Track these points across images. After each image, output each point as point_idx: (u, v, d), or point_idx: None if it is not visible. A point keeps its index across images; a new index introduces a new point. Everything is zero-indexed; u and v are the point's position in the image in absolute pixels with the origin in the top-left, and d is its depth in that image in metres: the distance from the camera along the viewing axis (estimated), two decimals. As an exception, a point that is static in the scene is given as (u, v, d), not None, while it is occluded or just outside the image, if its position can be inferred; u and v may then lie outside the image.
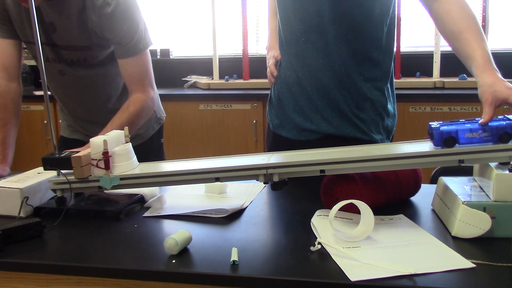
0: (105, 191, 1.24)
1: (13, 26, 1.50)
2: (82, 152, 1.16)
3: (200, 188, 1.33)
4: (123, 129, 1.20)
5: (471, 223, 0.96)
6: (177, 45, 3.76)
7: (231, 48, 3.63)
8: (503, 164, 1.02)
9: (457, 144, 1.03)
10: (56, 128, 1.81)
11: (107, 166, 1.13)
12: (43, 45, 1.50)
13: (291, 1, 1.36)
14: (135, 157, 1.19)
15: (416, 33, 3.36)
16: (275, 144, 1.52)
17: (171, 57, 3.69)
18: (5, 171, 1.43)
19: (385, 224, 1.06)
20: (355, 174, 1.12)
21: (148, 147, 1.77)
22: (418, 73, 3.20)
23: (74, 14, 1.43)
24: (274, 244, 1.02)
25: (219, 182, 1.13)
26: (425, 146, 1.08)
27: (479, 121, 1.03)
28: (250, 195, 1.29)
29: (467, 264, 0.87)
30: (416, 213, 1.14)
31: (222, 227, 1.09)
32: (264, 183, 1.10)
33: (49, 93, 1.30)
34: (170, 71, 3.60)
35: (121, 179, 1.14)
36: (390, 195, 1.16)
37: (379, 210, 1.10)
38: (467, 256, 0.89)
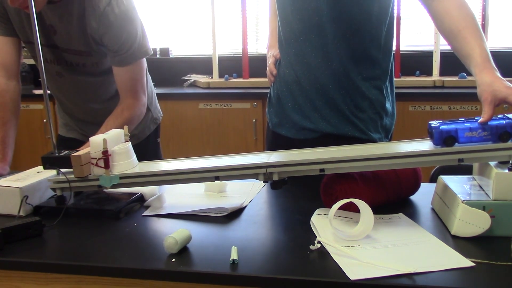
0: (105, 190, 1.24)
1: (12, 24, 1.50)
2: (82, 151, 1.16)
3: (200, 187, 1.33)
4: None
5: (471, 222, 0.96)
6: (176, 44, 3.76)
7: (230, 47, 3.63)
8: (502, 163, 1.02)
9: (456, 143, 1.03)
10: (56, 127, 1.81)
11: (107, 165, 1.13)
12: (43, 46, 1.50)
13: (291, 0, 1.36)
14: (134, 156, 1.19)
15: (416, 32, 3.36)
16: (274, 142, 1.52)
17: (170, 56, 3.68)
18: (5, 170, 1.43)
19: (384, 223, 1.06)
20: (355, 173, 1.12)
21: (145, 147, 1.77)
22: (418, 72, 3.20)
23: (75, 19, 1.43)
24: (273, 243, 1.02)
25: (218, 181, 1.13)
26: (424, 145, 1.08)
27: (479, 120, 1.03)
28: (250, 194, 1.29)
29: (467, 263, 0.87)
30: (415, 212, 1.15)
31: (222, 226, 1.09)
32: (264, 182, 1.10)
33: (48, 92, 1.29)
34: (169, 70, 3.60)
35: (121, 178, 1.14)
36: (390, 194, 1.16)
37: (378, 209, 1.10)
38: (466, 255, 0.89)
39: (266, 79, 1.58)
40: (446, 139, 1.03)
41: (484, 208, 0.96)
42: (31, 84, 3.41)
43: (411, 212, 1.13)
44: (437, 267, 0.85)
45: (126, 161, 1.15)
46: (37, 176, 1.25)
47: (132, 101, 1.53)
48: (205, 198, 1.27)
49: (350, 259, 0.88)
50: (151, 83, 1.79)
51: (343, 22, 1.32)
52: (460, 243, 0.95)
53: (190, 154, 2.96)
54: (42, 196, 1.23)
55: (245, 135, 3.07)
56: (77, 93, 1.62)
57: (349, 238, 0.97)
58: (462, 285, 0.81)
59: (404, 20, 3.15)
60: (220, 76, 3.42)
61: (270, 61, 1.56)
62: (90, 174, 1.15)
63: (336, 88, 1.37)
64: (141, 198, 1.25)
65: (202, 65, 3.58)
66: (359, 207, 0.99)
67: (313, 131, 1.42)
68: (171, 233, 0.95)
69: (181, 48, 3.76)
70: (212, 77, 3.43)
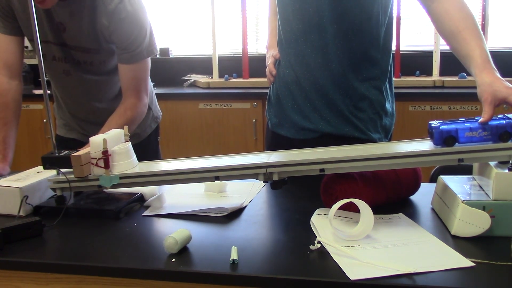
0: (105, 190, 1.24)
1: (16, 22, 1.50)
2: (82, 151, 1.16)
3: (200, 187, 1.33)
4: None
5: (471, 222, 0.96)
6: (176, 44, 3.76)
7: (230, 47, 3.63)
8: (502, 163, 1.02)
9: (456, 143, 1.03)
10: (56, 127, 1.81)
11: (107, 165, 1.13)
12: (52, 44, 1.50)
13: (291, 0, 1.36)
14: (134, 156, 1.19)
15: (415, 32, 3.36)
16: (274, 142, 1.52)
17: (170, 56, 3.68)
18: (5, 170, 1.43)
19: (384, 223, 1.06)
20: (355, 173, 1.12)
21: (146, 146, 1.78)
22: (418, 72, 3.20)
23: (85, 16, 1.43)
24: (273, 243, 1.02)
25: (218, 181, 1.13)
26: (424, 145, 1.08)
27: (479, 120, 1.03)
28: (250, 194, 1.29)
29: (467, 263, 0.87)
30: (415, 212, 1.15)
31: (222, 226, 1.09)
32: (264, 182, 1.10)
33: (48, 92, 1.29)
34: (169, 70, 3.60)
35: (121, 178, 1.14)
36: (390, 194, 1.16)
37: (378, 209, 1.10)
38: (466, 255, 0.89)
39: (266, 79, 1.58)
40: (446, 139, 1.03)
41: (484, 208, 0.96)
42: (31, 84, 3.42)
43: (411, 212, 1.13)
44: (437, 267, 0.85)
45: (126, 161, 1.15)
46: (37, 176, 1.25)
47: (135, 100, 1.53)
48: (205, 198, 1.27)
49: (350, 259, 0.88)
50: (150, 82, 1.80)
51: (344, 22, 1.32)
52: (460, 243, 0.95)
53: (190, 154, 2.96)
54: (42, 196, 1.23)
55: (245, 135, 3.07)
56: (83, 92, 1.62)
57: (349, 238, 0.97)
58: (462, 285, 0.81)
59: (404, 20, 3.15)
60: (220, 76, 3.42)
61: (269, 61, 1.56)
62: (90, 174, 1.15)
63: (336, 88, 1.37)
64: (141, 198, 1.25)
65: (202, 65, 3.58)
66: (359, 207, 0.99)
67: (312, 131, 1.42)
68: (171, 233, 0.95)
69: (181, 48, 3.76)
70: (212, 77, 3.43)
